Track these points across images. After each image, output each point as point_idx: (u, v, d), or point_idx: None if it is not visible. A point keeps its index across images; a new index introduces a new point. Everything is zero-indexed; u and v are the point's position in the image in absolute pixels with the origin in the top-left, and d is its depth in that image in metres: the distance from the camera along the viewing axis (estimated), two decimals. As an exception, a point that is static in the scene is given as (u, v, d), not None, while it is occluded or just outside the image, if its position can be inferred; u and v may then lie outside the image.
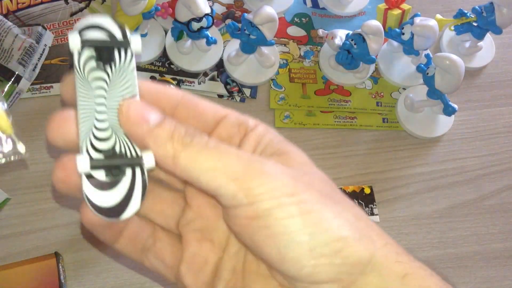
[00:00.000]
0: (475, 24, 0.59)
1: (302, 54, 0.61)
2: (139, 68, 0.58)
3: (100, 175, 0.22)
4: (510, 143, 0.58)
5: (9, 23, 0.57)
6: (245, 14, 0.55)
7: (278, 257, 0.21)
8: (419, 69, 0.56)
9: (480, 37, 0.60)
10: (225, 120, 0.25)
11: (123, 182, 0.22)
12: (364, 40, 0.55)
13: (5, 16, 0.60)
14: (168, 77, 0.57)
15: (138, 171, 0.22)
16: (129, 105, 0.22)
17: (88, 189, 0.22)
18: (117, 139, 0.22)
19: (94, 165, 0.22)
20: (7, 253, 0.49)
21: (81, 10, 0.62)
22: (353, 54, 0.56)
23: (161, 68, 0.59)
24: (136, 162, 0.22)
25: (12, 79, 0.54)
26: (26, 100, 0.56)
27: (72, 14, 0.62)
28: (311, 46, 0.62)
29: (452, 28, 0.62)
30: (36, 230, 0.50)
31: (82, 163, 0.21)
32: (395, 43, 0.60)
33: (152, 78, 0.56)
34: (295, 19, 0.64)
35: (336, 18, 0.64)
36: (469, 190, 0.55)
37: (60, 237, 0.50)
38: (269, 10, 0.53)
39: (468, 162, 0.57)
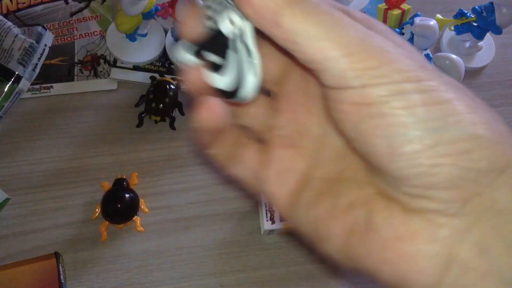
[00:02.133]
0: (475, 24, 0.59)
1: (302, 54, 0.61)
2: (139, 68, 0.58)
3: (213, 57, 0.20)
4: (510, 143, 0.58)
5: (9, 23, 0.57)
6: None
7: (388, 151, 0.17)
8: (419, 69, 0.56)
9: (480, 37, 0.60)
10: None
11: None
12: None
13: (5, 16, 0.60)
14: (168, 77, 0.57)
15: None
16: None
17: (212, 78, 0.20)
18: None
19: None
20: (7, 253, 0.49)
21: (81, 10, 0.62)
22: None
23: (161, 68, 0.59)
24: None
25: (12, 79, 0.54)
26: (26, 100, 0.56)
27: (72, 14, 0.62)
28: (311, 46, 0.62)
29: (452, 28, 0.61)
30: (36, 230, 0.50)
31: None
32: (395, 43, 0.60)
33: (152, 78, 0.56)
34: (295, 19, 0.63)
35: (336, 18, 0.64)
36: (469, 190, 0.55)
37: (60, 237, 0.50)
38: None
39: (468, 162, 0.57)
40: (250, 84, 0.19)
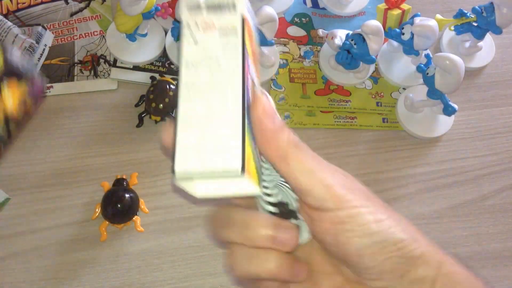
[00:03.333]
0: (475, 24, 0.59)
1: (302, 54, 0.61)
2: (139, 68, 0.58)
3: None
4: (510, 143, 0.58)
5: (9, 23, 0.57)
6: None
7: (357, 253, 0.26)
8: (419, 69, 0.56)
9: (480, 37, 0.60)
10: None
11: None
12: (364, 40, 0.55)
13: (5, 16, 0.60)
14: (168, 77, 0.57)
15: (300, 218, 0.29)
16: (264, 101, 0.26)
17: None
18: (281, 195, 0.29)
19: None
20: (7, 253, 0.49)
21: (81, 10, 0.62)
22: (353, 54, 0.56)
23: (161, 68, 0.59)
24: (295, 215, 0.29)
25: (12, 79, 0.54)
26: (26, 100, 0.56)
27: (72, 14, 0.62)
28: (311, 46, 0.62)
29: (452, 28, 0.61)
30: (36, 230, 0.50)
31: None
32: (395, 43, 0.60)
33: (152, 78, 0.56)
34: (295, 19, 0.64)
35: (336, 18, 0.64)
36: (469, 190, 0.55)
37: (60, 237, 0.50)
38: (269, 10, 0.53)
39: (468, 162, 0.57)
40: (306, 238, 0.29)
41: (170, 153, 0.23)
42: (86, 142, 0.55)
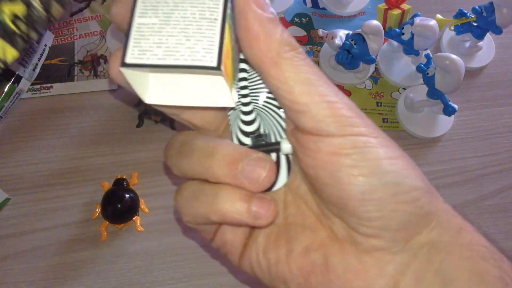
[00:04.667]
0: (475, 24, 0.59)
1: (302, 54, 0.61)
2: (139, 68, 0.58)
3: None
4: (510, 143, 0.58)
5: (9, 23, 0.57)
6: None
7: (360, 197, 0.20)
8: (419, 69, 0.56)
9: (480, 37, 0.60)
10: None
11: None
12: (364, 40, 0.55)
13: (5, 16, 0.60)
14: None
15: (281, 154, 0.23)
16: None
17: None
18: (261, 123, 0.23)
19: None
20: (7, 253, 0.49)
21: (81, 10, 0.62)
22: (353, 54, 0.56)
23: (161, 68, 0.59)
24: (275, 148, 0.23)
25: (12, 79, 0.54)
26: (26, 100, 0.56)
27: (72, 14, 0.62)
28: (311, 46, 0.62)
29: (452, 28, 0.61)
30: (36, 230, 0.50)
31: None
32: (395, 43, 0.60)
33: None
34: (295, 19, 0.64)
35: (336, 18, 0.64)
36: (469, 190, 0.55)
37: (60, 237, 0.50)
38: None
39: (468, 162, 0.57)
40: (283, 181, 0.24)
41: (124, 34, 0.18)
42: (86, 142, 0.54)
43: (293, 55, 0.20)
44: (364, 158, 0.20)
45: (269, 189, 0.23)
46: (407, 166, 0.21)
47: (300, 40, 0.62)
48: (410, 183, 0.21)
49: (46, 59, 0.58)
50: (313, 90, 0.20)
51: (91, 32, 0.61)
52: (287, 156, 0.23)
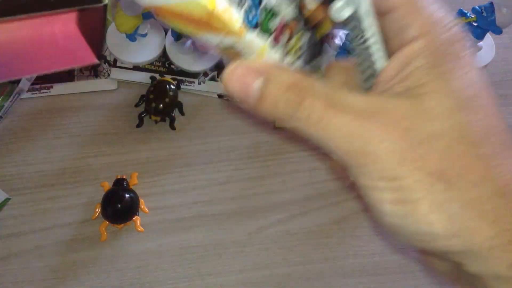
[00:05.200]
0: (475, 24, 0.59)
1: (302, 54, 0.61)
2: (139, 68, 0.58)
3: None
4: (510, 143, 0.58)
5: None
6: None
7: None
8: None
9: (480, 37, 0.60)
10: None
11: None
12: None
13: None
14: (168, 77, 0.57)
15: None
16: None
17: None
18: None
19: None
20: (7, 253, 0.49)
21: (81, 10, 0.62)
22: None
23: (161, 68, 0.59)
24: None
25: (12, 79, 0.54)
26: (26, 100, 0.56)
27: (72, 14, 0.62)
28: (311, 46, 0.62)
29: (452, 28, 0.61)
30: (36, 230, 0.50)
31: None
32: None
33: (152, 78, 0.56)
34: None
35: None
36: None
37: (60, 237, 0.50)
38: None
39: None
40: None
41: None
42: (86, 142, 0.55)
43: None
44: None
45: None
46: (426, 211, 0.20)
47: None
48: (420, 227, 0.20)
49: (46, 59, 0.58)
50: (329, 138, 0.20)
51: (91, 32, 0.60)
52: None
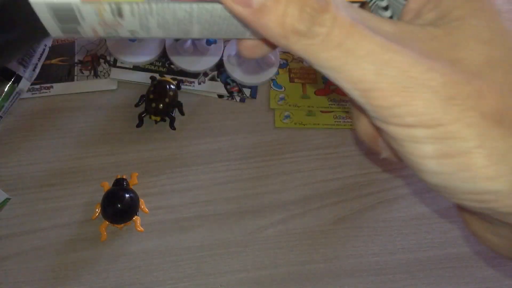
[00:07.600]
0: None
1: (302, 54, 0.61)
2: (139, 68, 0.58)
3: None
4: (510, 143, 0.58)
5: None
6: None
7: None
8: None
9: None
10: None
11: None
12: None
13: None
14: (168, 77, 0.57)
15: None
16: None
17: None
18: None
19: None
20: (7, 253, 0.49)
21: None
22: None
23: (161, 68, 0.59)
24: None
25: (12, 79, 0.54)
26: (26, 100, 0.56)
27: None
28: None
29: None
30: (36, 230, 0.50)
31: None
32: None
33: (152, 78, 0.56)
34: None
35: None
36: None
37: (60, 237, 0.50)
38: None
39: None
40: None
41: None
42: (86, 142, 0.55)
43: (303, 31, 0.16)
44: None
45: None
46: (480, 164, 0.17)
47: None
48: (476, 183, 0.16)
49: (46, 59, 0.58)
50: (344, 77, 0.17)
51: (91, 32, 0.60)
52: None
